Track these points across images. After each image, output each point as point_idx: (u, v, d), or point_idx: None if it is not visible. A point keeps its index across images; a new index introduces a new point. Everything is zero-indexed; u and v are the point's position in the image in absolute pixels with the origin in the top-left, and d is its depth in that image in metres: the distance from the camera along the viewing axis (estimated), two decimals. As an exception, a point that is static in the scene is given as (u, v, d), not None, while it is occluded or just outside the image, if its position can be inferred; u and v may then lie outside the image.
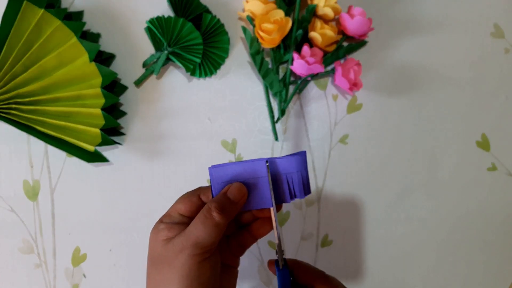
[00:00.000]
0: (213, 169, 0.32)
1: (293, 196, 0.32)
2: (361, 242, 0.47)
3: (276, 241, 0.32)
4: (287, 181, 0.32)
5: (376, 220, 0.47)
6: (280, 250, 0.32)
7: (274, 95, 0.46)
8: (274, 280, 0.46)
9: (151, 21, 0.43)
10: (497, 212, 0.49)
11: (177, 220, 0.31)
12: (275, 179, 0.32)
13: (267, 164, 0.31)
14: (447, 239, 0.48)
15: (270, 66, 0.46)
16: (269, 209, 0.32)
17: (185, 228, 0.29)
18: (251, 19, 0.44)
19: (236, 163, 0.32)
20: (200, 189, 0.33)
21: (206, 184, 0.46)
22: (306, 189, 0.32)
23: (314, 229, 0.47)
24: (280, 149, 0.46)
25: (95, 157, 0.43)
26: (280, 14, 0.43)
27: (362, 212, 0.47)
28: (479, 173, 0.49)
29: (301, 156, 0.32)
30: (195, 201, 0.32)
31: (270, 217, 0.33)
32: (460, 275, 0.48)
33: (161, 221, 0.31)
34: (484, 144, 0.49)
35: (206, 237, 0.28)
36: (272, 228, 0.33)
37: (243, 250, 0.34)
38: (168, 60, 0.44)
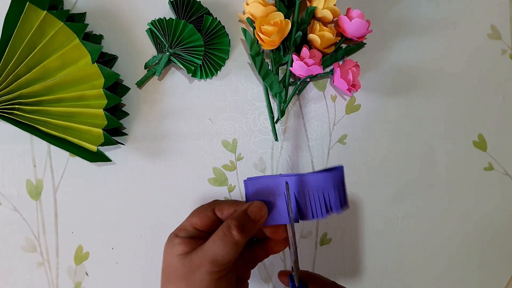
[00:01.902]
0: (248, 181, 0.31)
1: (329, 211, 0.32)
2: (359, 241, 0.48)
3: (292, 257, 0.31)
4: (323, 196, 0.31)
5: (374, 218, 0.48)
6: (296, 268, 0.31)
7: (274, 96, 0.46)
8: (274, 278, 0.47)
9: (153, 23, 0.44)
10: (494, 211, 0.49)
11: (193, 234, 0.31)
12: (311, 195, 0.31)
13: (287, 184, 0.31)
14: (444, 238, 0.49)
15: (270, 67, 0.46)
16: (284, 229, 0.32)
17: (201, 243, 0.29)
18: (251, 21, 0.44)
19: (270, 176, 0.32)
20: (215, 203, 0.32)
21: (207, 184, 0.46)
22: (343, 204, 0.32)
23: (313, 227, 0.48)
24: (280, 149, 0.47)
25: (97, 157, 0.43)
26: (279, 16, 0.43)
27: (361, 211, 0.48)
28: (476, 173, 0.49)
29: (339, 171, 0.32)
30: (210, 215, 0.31)
31: (284, 239, 0.32)
32: (457, 273, 0.49)
33: (175, 235, 0.31)
34: (481, 144, 0.49)
35: (224, 254, 0.28)
36: (286, 246, 0.32)
37: (255, 264, 0.34)
38: (169, 61, 0.45)
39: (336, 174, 0.32)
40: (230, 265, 0.29)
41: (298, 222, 0.32)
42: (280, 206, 0.31)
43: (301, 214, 0.32)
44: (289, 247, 0.31)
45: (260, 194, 0.31)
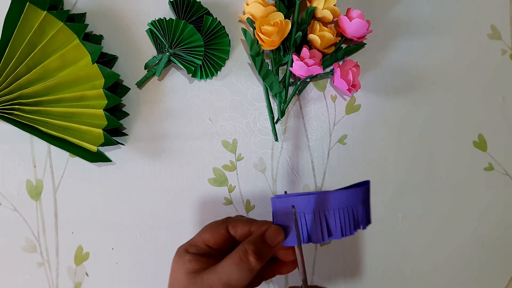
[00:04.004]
0: (276, 199, 0.30)
1: (356, 228, 0.31)
2: (359, 241, 0.48)
3: (301, 276, 0.30)
4: (352, 213, 0.31)
5: (374, 219, 0.48)
6: (305, 287, 0.30)
7: (274, 96, 0.46)
8: (274, 277, 0.47)
9: (153, 23, 0.44)
10: (494, 211, 0.49)
11: (204, 251, 0.30)
12: (340, 212, 0.31)
13: (293, 207, 0.30)
14: (444, 238, 0.49)
15: (270, 67, 0.46)
16: (294, 252, 0.31)
17: (213, 262, 0.28)
18: (251, 22, 0.44)
19: (297, 195, 0.31)
20: (229, 220, 0.32)
21: (207, 184, 0.46)
22: (369, 219, 0.32)
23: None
24: (280, 149, 0.47)
25: (97, 157, 0.43)
26: (279, 16, 0.43)
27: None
28: (476, 173, 0.49)
29: (366, 186, 0.31)
30: (224, 233, 0.31)
31: (294, 260, 0.32)
32: (457, 273, 0.49)
33: (186, 250, 0.30)
34: (481, 144, 0.49)
35: (239, 279, 0.27)
36: (295, 267, 0.32)
37: (261, 282, 0.33)
38: (169, 62, 0.45)
39: (364, 189, 0.31)
40: None
41: (311, 242, 0.31)
42: (294, 228, 0.31)
43: (328, 231, 0.31)
44: (298, 267, 0.31)
45: (284, 213, 0.30)
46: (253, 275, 0.28)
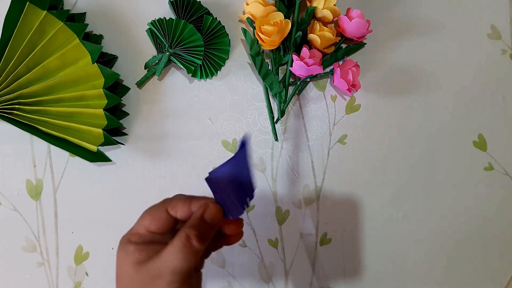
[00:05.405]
0: (209, 178, 0.29)
1: (248, 196, 0.30)
2: (359, 241, 0.48)
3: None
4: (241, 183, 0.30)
5: (374, 218, 0.48)
6: None
7: (274, 95, 0.46)
8: (274, 277, 0.47)
9: (153, 23, 0.44)
10: (494, 211, 0.49)
11: (147, 239, 0.29)
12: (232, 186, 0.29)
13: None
14: (444, 238, 0.49)
15: (270, 67, 0.46)
16: (241, 224, 0.31)
17: (157, 249, 0.28)
18: (251, 21, 0.44)
19: (224, 164, 0.29)
20: (166, 202, 0.31)
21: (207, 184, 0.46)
22: (254, 185, 0.30)
23: (313, 227, 0.48)
24: (280, 149, 0.47)
25: (97, 157, 0.43)
26: (279, 16, 0.43)
27: (361, 211, 0.48)
28: (476, 172, 0.49)
29: (244, 148, 0.29)
30: (164, 216, 0.30)
31: (239, 232, 0.31)
32: (457, 273, 0.49)
33: (128, 240, 0.29)
34: (481, 144, 0.49)
35: (184, 264, 0.27)
36: (241, 237, 0.32)
37: (209, 254, 0.33)
38: (169, 61, 0.45)
39: (243, 151, 0.29)
40: (191, 271, 0.28)
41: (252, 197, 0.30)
42: (233, 199, 0.30)
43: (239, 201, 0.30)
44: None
45: (221, 187, 0.29)
46: (198, 256, 0.28)
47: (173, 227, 0.31)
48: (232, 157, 0.29)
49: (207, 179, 0.29)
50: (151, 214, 0.30)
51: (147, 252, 0.28)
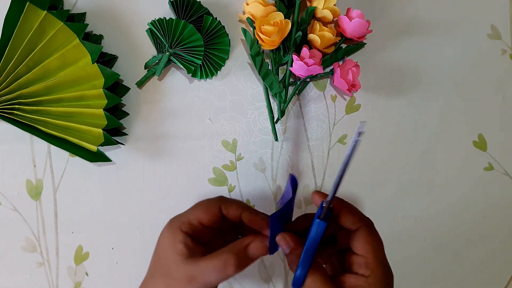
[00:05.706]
0: (272, 218, 0.31)
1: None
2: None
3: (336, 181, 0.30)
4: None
5: (374, 218, 0.48)
6: (332, 196, 0.30)
7: (274, 95, 0.46)
8: (274, 277, 0.47)
9: (153, 23, 0.44)
10: (494, 211, 0.49)
11: (196, 230, 0.31)
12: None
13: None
14: (444, 238, 0.49)
15: (270, 67, 0.46)
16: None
17: (201, 251, 0.30)
18: (251, 21, 0.44)
19: (283, 206, 0.32)
20: (221, 200, 0.32)
21: (207, 184, 0.46)
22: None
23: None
24: (280, 149, 0.47)
25: (97, 157, 0.43)
26: (279, 16, 0.43)
27: (360, 210, 0.48)
28: (476, 172, 0.49)
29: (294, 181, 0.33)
30: (216, 212, 0.31)
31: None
32: (457, 273, 0.49)
33: (179, 228, 0.31)
34: (481, 144, 0.49)
35: (214, 282, 0.29)
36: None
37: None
38: (169, 61, 0.45)
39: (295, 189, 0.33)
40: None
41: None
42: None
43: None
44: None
45: (275, 225, 0.31)
46: (228, 278, 0.30)
47: (221, 224, 0.32)
48: (290, 197, 0.33)
49: (271, 218, 0.31)
50: (206, 206, 0.32)
51: (192, 250, 0.30)
